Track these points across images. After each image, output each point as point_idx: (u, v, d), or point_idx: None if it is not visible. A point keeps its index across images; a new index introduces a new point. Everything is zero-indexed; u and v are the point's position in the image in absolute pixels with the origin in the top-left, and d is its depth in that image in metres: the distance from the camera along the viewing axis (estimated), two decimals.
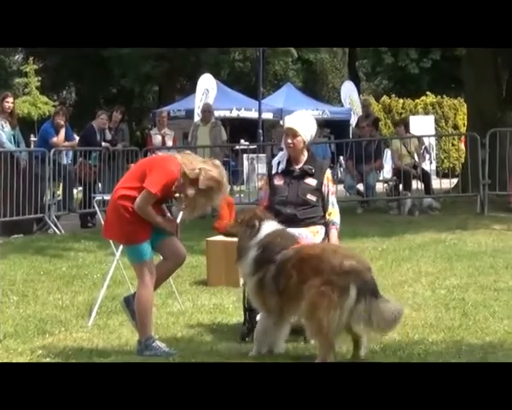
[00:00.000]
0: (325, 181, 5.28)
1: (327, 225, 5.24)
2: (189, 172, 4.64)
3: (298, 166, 5.31)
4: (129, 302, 4.88)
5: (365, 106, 15.30)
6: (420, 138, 12.62)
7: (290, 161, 5.34)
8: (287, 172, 5.30)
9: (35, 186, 10.62)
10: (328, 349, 4.30)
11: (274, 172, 5.36)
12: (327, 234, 5.23)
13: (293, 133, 5.23)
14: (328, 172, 5.39)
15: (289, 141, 5.25)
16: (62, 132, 11.25)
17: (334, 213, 5.27)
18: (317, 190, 5.24)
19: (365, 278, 4.24)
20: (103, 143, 11.86)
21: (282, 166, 5.34)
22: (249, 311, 5.14)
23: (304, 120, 5.34)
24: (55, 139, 11.20)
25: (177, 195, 4.82)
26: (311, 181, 5.25)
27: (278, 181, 5.30)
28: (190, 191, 4.64)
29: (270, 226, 4.71)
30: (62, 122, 11.25)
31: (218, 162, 4.83)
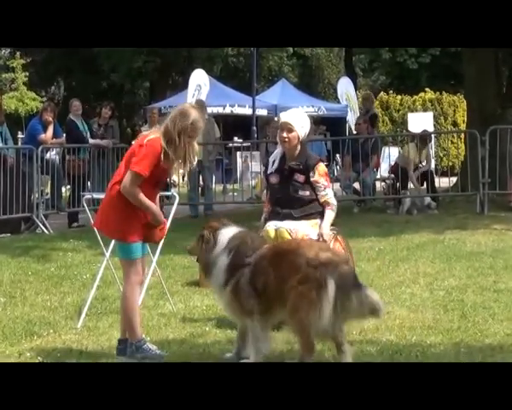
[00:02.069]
0: (317, 176, 5.30)
1: (323, 207, 5.28)
2: (164, 133, 4.51)
3: (289, 164, 5.36)
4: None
5: (365, 99, 14.98)
6: (424, 140, 12.36)
7: (283, 159, 5.41)
8: (279, 171, 5.39)
9: (22, 184, 10.49)
10: (308, 349, 4.23)
11: (269, 171, 5.46)
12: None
13: (288, 128, 5.30)
14: (321, 167, 5.38)
15: (284, 135, 5.31)
16: (50, 129, 11.12)
17: (329, 198, 5.32)
18: (307, 184, 5.29)
19: (343, 271, 4.15)
20: (91, 141, 11.68)
21: (276, 164, 5.43)
22: None
23: (299, 116, 5.41)
24: (43, 136, 11.05)
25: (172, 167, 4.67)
26: (300, 177, 5.31)
27: (273, 180, 5.41)
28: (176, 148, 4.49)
29: (230, 231, 4.56)
30: (50, 119, 11.11)
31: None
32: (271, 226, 5.23)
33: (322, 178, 5.33)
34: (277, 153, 5.47)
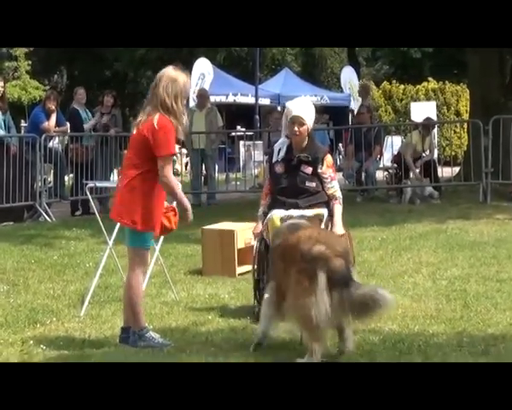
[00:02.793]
0: (325, 168, 5.32)
1: (329, 200, 5.30)
2: (162, 105, 4.57)
3: (297, 154, 5.35)
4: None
5: (362, 88, 14.95)
6: (427, 126, 12.29)
7: (290, 149, 5.39)
8: (286, 161, 5.36)
9: (25, 173, 10.49)
10: (315, 339, 4.26)
11: (275, 159, 5.43)
12: (330, 213, 5.29)
13: (300, 121, 5.28)
14: (329, 159, 5.41)
15: (296, 129, 5.29)
16: (53, 118, 11.10)
17: (335, 190, 5.33)
18: (315, 176, 5.30)
19: (333, 266, 4.20)
20: (86, 125, 11.67)
21: (282, 153, 5.39)
22: (258, 292, 5.28)
23: (308, 107, 5.39)
24: (46, 124, 11.04)
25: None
26: (308, 169, 5.31)
27: (278, 169, 5.38)
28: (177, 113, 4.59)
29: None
30: (53, 107, 11.09)
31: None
32: (277, 214, 5.23)
33: (330, 170, 5.34)
34: (283, 142, 5.42)
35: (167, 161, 4.58)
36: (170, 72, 4.67)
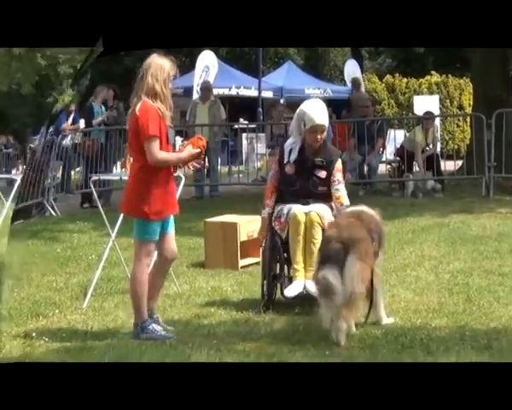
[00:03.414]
0: (335, 171, 5.36)
1: (335, 203, 5.37)
2: (148, 92, 4.64)
3: (310, 157, 5.35)
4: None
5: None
6: (431, 123, 12.26)
7: (303, 150, 5.38)
8: (299, 163, 5.36)
9: (39, 173, 10.64)
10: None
11: (286, 160, 5.41)
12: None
13: (322, 129, 5.31)
14: (339, 163, 5.45)
15: (319, 137, 5.32)
16: (70, 118, 11.46)
17: (342, 196, 5.35)
18: (327, 180, 5.36)
19: (327, 246, 4.61)
20: (94, 121, 11.78)
21: (294, 155, 5.39)
22: (268, 285, 5.40)
23: (326, 111, 5.40)
24: (64, 125, 11.44)
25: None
26: (322, 173, 5.35)
27: (289, 170, 5.38)
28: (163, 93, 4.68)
29: None
30: (73, 108, 11.42)
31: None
32: (300, 209, 5.25)
33: (339, 174, 5.38)
34: (295, 143, 5.40)
35: (149, 143, 4.58)
36: (156, 60, 4.74)
